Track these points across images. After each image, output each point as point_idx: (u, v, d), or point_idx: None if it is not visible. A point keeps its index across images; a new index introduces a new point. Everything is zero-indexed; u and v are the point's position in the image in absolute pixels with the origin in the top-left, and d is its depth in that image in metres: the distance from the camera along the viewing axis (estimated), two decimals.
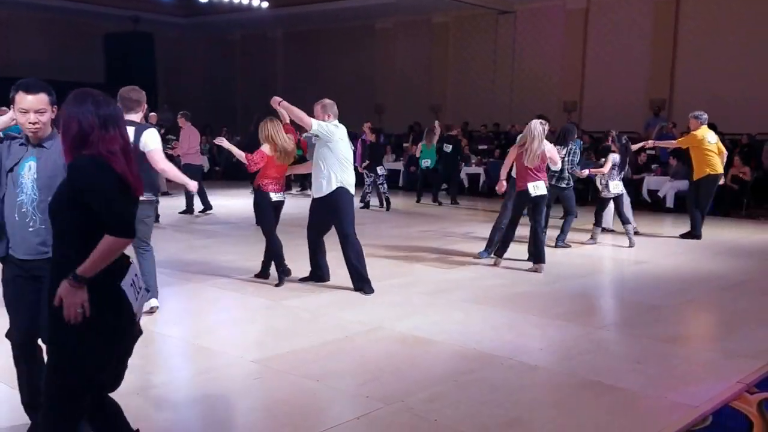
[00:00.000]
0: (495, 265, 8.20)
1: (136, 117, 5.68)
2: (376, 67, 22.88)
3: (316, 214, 6.99)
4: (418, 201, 15.34)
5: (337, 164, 6.73)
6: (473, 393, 4.30)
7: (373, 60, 22.85)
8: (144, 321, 5.52)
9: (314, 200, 6.97)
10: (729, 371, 4.76)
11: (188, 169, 12.84)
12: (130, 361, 4.80)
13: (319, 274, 7.18)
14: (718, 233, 11.31)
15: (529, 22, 19.85)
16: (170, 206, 12.85)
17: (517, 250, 8.66)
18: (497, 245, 8.43)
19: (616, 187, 9.74)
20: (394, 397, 4.18)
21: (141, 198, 2.96)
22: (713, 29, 16.64)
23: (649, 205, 14.65)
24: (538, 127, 7.86)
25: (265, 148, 7.03)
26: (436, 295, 6.82)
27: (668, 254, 9.38)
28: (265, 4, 20.54)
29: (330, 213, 6.83)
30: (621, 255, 9.31)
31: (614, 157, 9.67)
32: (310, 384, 4.41)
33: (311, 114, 7.03)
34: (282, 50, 25.44)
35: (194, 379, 4.56)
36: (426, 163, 14.87)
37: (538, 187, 7.90)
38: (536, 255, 8.05)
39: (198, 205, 12.70)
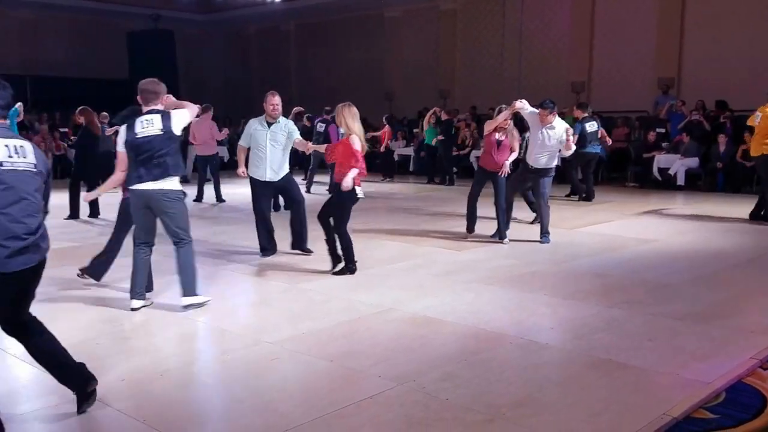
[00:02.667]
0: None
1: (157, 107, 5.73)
2: (386, 55, 23.05)
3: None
4: (429, 182, 15.95)
5: None
6: (484, 372, 4.35)
7: (382, 48, 23.02)
8: (168, 305, 5.66)
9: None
10: (742, 348, 4.77)
11: (198, 160, 12.97)
12: (154, 343, 4.92)
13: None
14: (729, 210, 11.29)
15: (536, 4, 19.75)
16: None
17: (531, 230, 8.72)
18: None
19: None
20: (407, 377, 4.23)
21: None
22: (721, 5, 16.49)
23: (659, 183, 14.61)
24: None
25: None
26: (447, 277, 6.87)
27: (679, 232, 9.38)
28: None
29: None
30: (631, 234, 9.31)
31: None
32: (324, 364, 4.47)
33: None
34: (294, 42, 25.77)
35: (214, 360, 4.64)
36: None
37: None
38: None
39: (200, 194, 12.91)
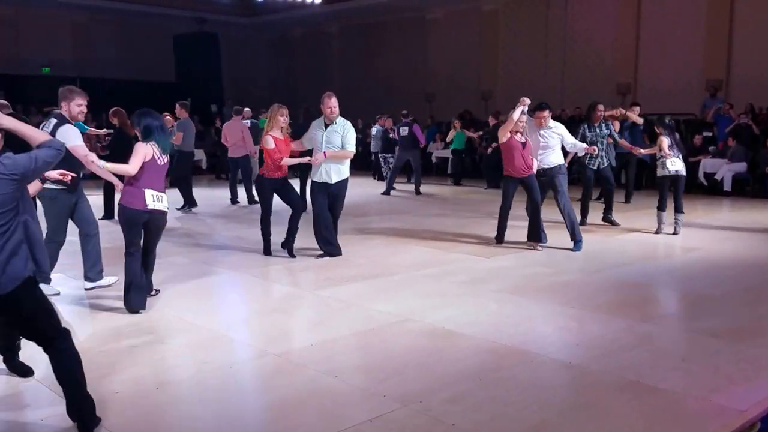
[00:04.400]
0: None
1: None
2: (427, 57, 22.89)
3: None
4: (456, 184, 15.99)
5: None
6: (498, 393, 4.05)
7: (423, 50, 22.86)
8: (177, 311, 5.49)
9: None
10: None
11: (229, 162, 12.93)
12: (159, 351, 4.73)
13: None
14: None
15: (581, 3, 19.24)
16: (220, 197, 12.93)
17: (562, 236, 8.37)
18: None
19: (673, 164, 9.16)
20: (413, 397, 3.96)
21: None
22: None
23: (705, 188, 14.03)
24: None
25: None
26: (473, 285, 6.57)
27: (724, 241, 8.89)
28: (318, 0, 21.06)
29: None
30: (673, 241, 8.86)
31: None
32: (328, 381, 4.22)
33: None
34: (337, 45, 25.79)
35: (215, 373, 4.40)
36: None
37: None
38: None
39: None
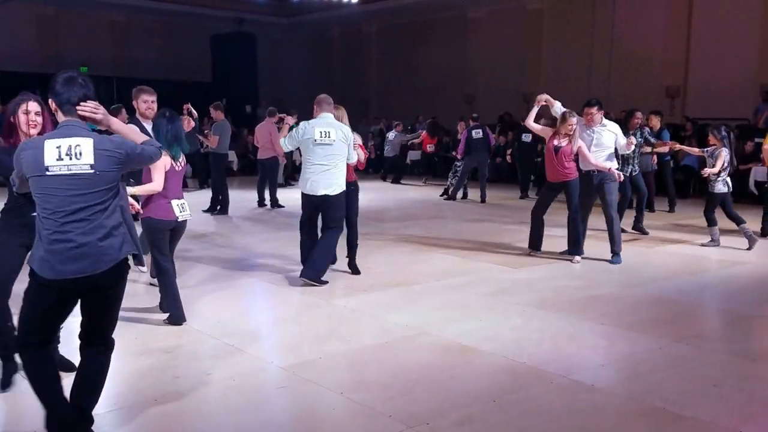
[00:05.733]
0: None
1: None
2: (467, 57, 22.39)
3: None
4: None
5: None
6: (512, 417, 3.79)
7: (464, 50, 22.38)
8: (189, 320, 5.34)
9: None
10: None
11: (257, 164, 12.81)
12: (165, 361, 4.55)
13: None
14: None
15: (629, 2, 18.67)
16: (246, 198, 12.85)
17: (602, 247, 8.01)
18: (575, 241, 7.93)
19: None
20: (421, 418, 3.72)
21: None
22: None
23: (756, 197, 13.40)
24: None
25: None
26: (496, 297, 6.28)
27: None
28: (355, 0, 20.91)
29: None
30: (717, 254, 8.41)
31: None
32: (332, 398, 4.02)
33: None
34: (376, 44, 25.45)
35: (216, 386, 4.21)
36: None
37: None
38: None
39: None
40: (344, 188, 6.62)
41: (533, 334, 5.26)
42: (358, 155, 6.88)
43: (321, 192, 6.51)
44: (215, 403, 3.97)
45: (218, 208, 11.63)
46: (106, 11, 22.54)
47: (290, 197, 13.35)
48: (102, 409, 3.65)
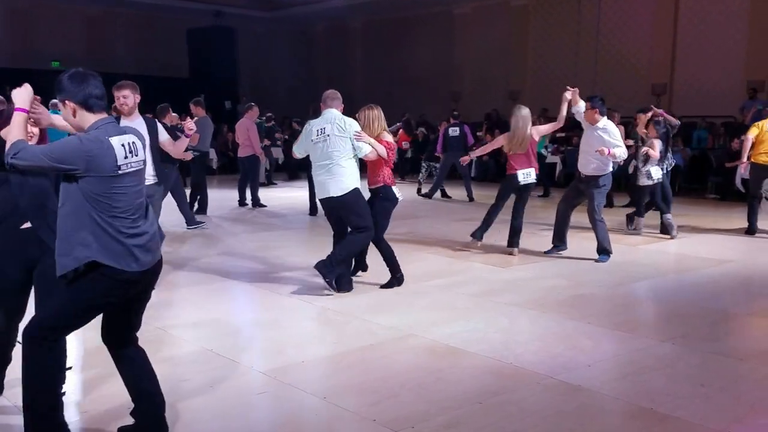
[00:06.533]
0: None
1: None
2: (454, 54, 22.33)
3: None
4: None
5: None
6: (498, 419, 3.73)
7: (450, 47, 22.31)
8: (163, 324, 5.25)
9: None
10: None
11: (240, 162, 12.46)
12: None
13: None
14: None
15: (615, 0, 18.69)
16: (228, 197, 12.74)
17: (587, 246, 7.97)
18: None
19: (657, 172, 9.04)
20: (406, 422, 3.66)
21: None
22: None
23: (742, 195, 13.41)
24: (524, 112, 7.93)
25: (389, 137, 6.52)
26: (485, 298, 6.23)
27: (759, 252, 8.41)
28: None
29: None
30: (704, 252, 8.40)
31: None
32: (314, 402, 3.95)
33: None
34: (361, 40, 25.28)
35: (194, 392, 4.11)
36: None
37: (528, 175, 7.92)
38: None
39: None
40: (353, 188, 6.19)
41: (520, 335, 5.21)
42: (376, 148, 6.28)
43: (326, 194, 6.24)
44: (191, 411, 3.86)
45: (197, 207, 11.25)
46: (82, 5, 22.07)
47: (272, 196, 13.30)
48: (73, 417, 3.56)
